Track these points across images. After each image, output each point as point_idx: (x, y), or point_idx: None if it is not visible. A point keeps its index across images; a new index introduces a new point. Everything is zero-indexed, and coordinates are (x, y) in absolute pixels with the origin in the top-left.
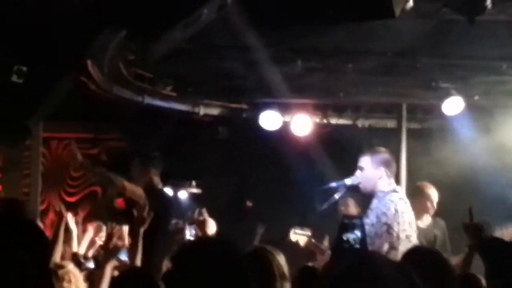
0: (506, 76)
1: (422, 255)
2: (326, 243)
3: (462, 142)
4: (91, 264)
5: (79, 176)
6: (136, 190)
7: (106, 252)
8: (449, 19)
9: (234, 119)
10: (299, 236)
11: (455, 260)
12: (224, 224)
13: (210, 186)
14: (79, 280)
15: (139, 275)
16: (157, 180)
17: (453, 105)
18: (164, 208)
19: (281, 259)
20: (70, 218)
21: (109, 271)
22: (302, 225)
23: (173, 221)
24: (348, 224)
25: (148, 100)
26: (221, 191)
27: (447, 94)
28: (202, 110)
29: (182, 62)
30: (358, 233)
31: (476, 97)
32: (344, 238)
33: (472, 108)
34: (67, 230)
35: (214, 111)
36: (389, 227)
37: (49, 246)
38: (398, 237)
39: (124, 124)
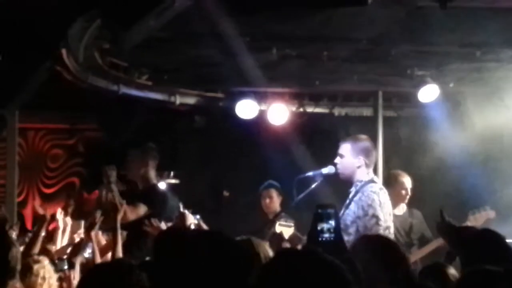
0: (480, 63)
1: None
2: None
3: (438, 130)
4: (65, 266)
5: (57, 167)
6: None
7: (74, 248)
8: (422, 6)
9: (211, 108)
10: (283, 227)
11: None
12: (202, 215)
13: (187, 177)
14: (53, 278)
15: (122, 265)
16: (153, 174)
17: (428, 93)
18: (160, 204)
19: (267, 248)
20: (59, 214)
21: (78, 268)
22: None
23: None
24: (322, 213)
25: (124, 89)
26: (199, 181)
27: (422, 82)
28: (178, 99)
29: (157, 51)
30: (332, 222)
31: (451, 85)
32: (319, 227)
33: (447, 95)
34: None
35: (191, 100)
36: (377, 219)
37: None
38: (384, 228)
39: (100, 114)
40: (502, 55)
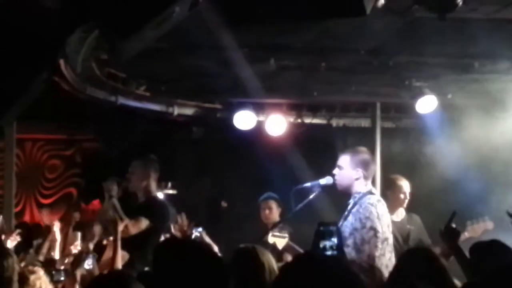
0: (478, 74)
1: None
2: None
3: (436, 141)
4: (61, 277)
5: (54, 178)
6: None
7: (76, 259)
8: (420, 17)
9: (209, 119)
10: (276, 238)
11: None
12: (199, 225)
13: (185, 187)
14: None
15: (120, 277)
16: (154, 186)
17: (426, 104)
18: (161, 216)
19: (269, 255)
20: (56, 227)
21: (78, 278)
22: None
23: None
24: (324, 231)
25: (122, 100)
26: (196, 191)
27: (420, 93)
28: (176, 110)
29: (155, 62)
30: (334, 239)
31: (449, 96)
32: (321, 245)
33: (445, 106)
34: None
35: (188, 111)
36: (375, 231)
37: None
38: (383, 240)
39: (98, 125)
40: (500, 66)
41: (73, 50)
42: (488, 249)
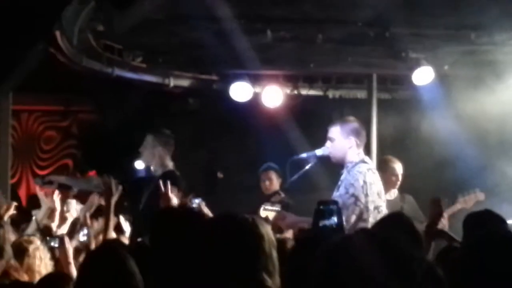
0: (475, 46)
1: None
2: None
3: (433, 112)
4: (56, 243)
5: (50, 149)
6: None
7: (70, 229)
8: None
9: (205, 91)
10: (268, 212)
11: None
12: (196, 195)
13: (181, 158)
14: (47, 257)
15: (113, 248)
16: (167, 160)
17: (423, 75)
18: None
19: (268, 226)
20: (56, 196)
21: (72, 250)
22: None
23: None
24: (324, 210)
25: (118, 71)
26: (193, 163)
27: (417, 64)
28: (172, 82)
29: (151, 33)
30: (334, 218)
31: (446, 67)
32: (320, 224)
33: (442, 78)
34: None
35: (185, 83)
36: (356, 199)
37: None
38: (367, 208)
39: (94, 96)
40: (497, 38)
41: (69, 22)
42: (479, 218)
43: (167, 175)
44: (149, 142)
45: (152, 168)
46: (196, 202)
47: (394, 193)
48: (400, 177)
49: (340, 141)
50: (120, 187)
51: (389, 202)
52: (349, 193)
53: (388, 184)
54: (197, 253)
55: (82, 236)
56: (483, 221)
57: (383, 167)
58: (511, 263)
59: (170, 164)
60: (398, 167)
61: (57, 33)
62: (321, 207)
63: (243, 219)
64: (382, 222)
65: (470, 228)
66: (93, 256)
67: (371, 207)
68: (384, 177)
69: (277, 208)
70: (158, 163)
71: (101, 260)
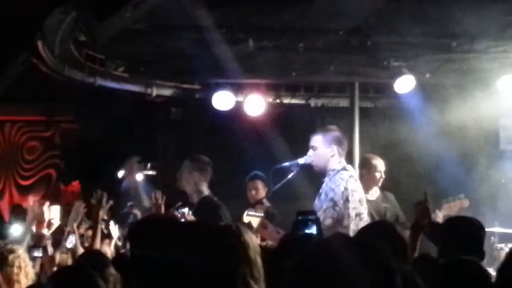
0: (456, 54)
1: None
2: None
3: (414, 120)
4: (39, 253)
5: (33, 159)
6: None
7: (56, 238)
8: None
9: (187, 100)
10: (251, 217)
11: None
12: (184, 205)
13: (164, 168)
14: (28, 266)
15: (95, 256)
16: (203, 186)
17: (404, 84)
18: (213, 217)
19: (250, 233)
20: (45, 207)
21: (58, 258)
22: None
23: (128, 203)
24: (302, 220)
25: (100, 81)
26: (176, 172)
27: (398, 73)
28: (154, 91)
29: (133, 43)
30: (313, 229)
31: (427, 75)
32: (300, 234)
33: (423, 86)
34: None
35: (167, 92)
36: (334, 204)
37: None
38: (348, 215)
39: (76, 106)
40: (478, 46)
41: (51, 32)
42: (457, 225)
43: (205, 203)
44: (186, 166)
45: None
46: (182, 211)
47: (376, 191)
48: (383, 174)
49: (322, 150)
50: (111, 202)
51: (371, 203)
52: (328, 197)
53: (370, 182)
54: (180, 262)
55: (69, 243)
56: (460, 228)
57: (366, 165)
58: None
59: (206, 191)
60: (380, 164)
61: (39, 43)
62: (300, 217)
63: (227, 227)
64: (366, 230)
65: (447, 235)
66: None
67: (352, 214)
68: (367, 175)
69: (260, 214)
70: (193, 189)
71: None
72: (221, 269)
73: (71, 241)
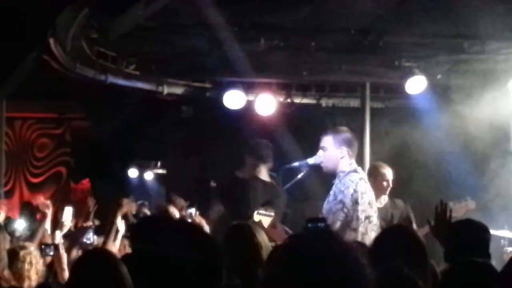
0: (467, 55)
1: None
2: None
3: (425, 121)
4: (51, 251)
5: (44, 157)
6: None
7: (73, 235)
8: None
9: (198, 98)
10: (262, 216)
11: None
12: (192, 205)
13: (174, 166)
14: (39, 263)
15: (103, 255)
16: (260, 171)
17: (416, 84)
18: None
19: (263, 233)
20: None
21: (75, 254)
22: (265, 204)
23: (139, 202)
24: (312, 228)
25: (111, 79)
26: (186, 171)
27: (410, 73)
28: (165, 89)
29: (145, 40)
30: None
31: (439, 76)
32: None
33: (434, 87)
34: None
35: (178, 90)
36: (343, 205)
37: None
38: (357, 217)
39: (87, 103)
40: (489, 47)
41: (63, 29)
42: (462, 228)
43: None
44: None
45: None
46: (189, 212)
47: (384, 199)
48: (390, 183)
49: (332, 151)
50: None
51: (379, 210)
52: (337, 199)
53: (379, 190)
54: (172, 256)
55: (86, 239)
56: (465, 231)
57: (374, 174)
58: None
59: (258, 174)
60: (388, 172)
61: (51, 40)
62: (309, 225)
63: (239, 227)
64: (383, 236)
65: (452, 238)
66: (85, 258)
67: (361, 216)
68: (374, 184)
69: (271, 213)
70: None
71: (94, 263)
72: (205, 263)
73: (87, 237)
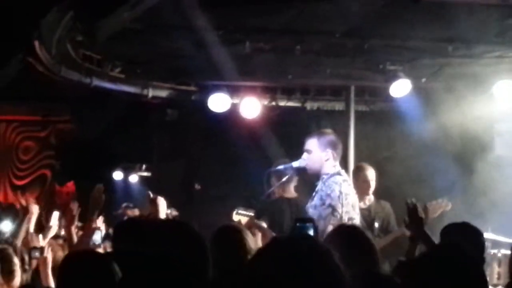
0: (452, 59)
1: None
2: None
3: (410, 125)
4: (37, 254)
5: (29, 159)
6: None
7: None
8: (395, 0)
9: (183, 101)
10: (241, 216)
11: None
12: (174, 207)
13: (159, 169)
14: (17, 265)
15: (91, 256)
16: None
17: (400, 88)
18: None
19: (251, 237)
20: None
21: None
22: (250, 207)
23: (123, 204)
24: (300, 227)
25: (96, 82)
26: (170, 174)
27: (394, 77)
28: (151, 92)
29: (130, 43)
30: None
31: (423, 80)
32: None
33: (419, 90)
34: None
35: (163, 93)
36: (333, 209)
37: None
38: (341, 219)
39: (72, 106)
40: (474, 51)
41: (48, 31)
42: (457, 231)
43: None
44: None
45: None
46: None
47: (369, 200)
48: (372, 183)
49: (317, 153)
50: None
51: (362, 211)
52: (325, 204)
53: (361, 190)
54: (157, 255)
55: (94, 240)
56: (460, 233)
57: (356, 175)
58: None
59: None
60: (370, 173)
61: (36, 43)
62: (298, 224)
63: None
64: (335, 233)
65: (447, 239)
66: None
67: (345, 217)
68: (357, 184)
69: (250, 213)
70: None
71: (85, 261)
72: (191, 259)
73: (97, 239)
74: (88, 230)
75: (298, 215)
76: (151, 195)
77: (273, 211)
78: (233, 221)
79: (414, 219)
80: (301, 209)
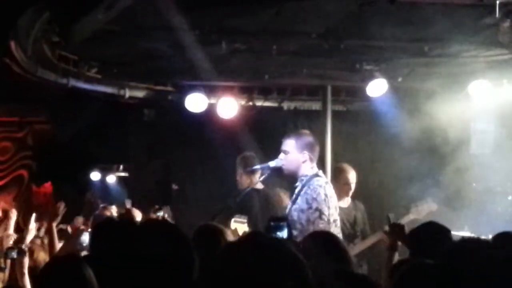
0: (428, 58)
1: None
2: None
3: (386, 124)
4: (15, 254)
5: (5, 160)
6: None
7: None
8: (371, 0)
9: (160, 102)
10: (238, 224)
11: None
12: (151, 207)
13: (137, 169)
14: None
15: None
16: (245, 180)
17: (377, 87)
18: (249, 209)
19: (230, 233)
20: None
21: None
22: (226, 207)
23: (101, 205)
24: (274, 226)
25: (73, 82)
26: (148, 174)
27: (371, 76)
28: (127, 93)
29: (106, 44)
30: (285, 233)
31: (400, 79)
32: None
33: (395, 90)
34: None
35: (140, 94)
36: (321, 213)
37: None
38: (329, 221)
39: (49, 107)
40: (450, 50)
41: (24, 32)
42: (425, 230)
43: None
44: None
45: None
46: (158, 215)
47: (347, 201)
48: (352, 186)
49: (294, 155)
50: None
51: (343, 210)
52: (312, 208)
53: (341, 192)
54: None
55: (82, 241)
56: (428, 233)
57: (337, 176)
58: None
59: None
60: (352, 175)
61: (12, 43)
62: (272, 223)
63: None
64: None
65: (416, 240)
66: (52, 264)
67: (331, 219)
68: (337, 186)
69: (244, 220)
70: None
71: (60, 268)
72: (177, 259)
73: (84, 239)
74: (74, 231)
75: (267, 208)
76: (128, 205)
77: (245, 204)
78: (230, 229)
79: (395, 230)
80: (270, 201)
